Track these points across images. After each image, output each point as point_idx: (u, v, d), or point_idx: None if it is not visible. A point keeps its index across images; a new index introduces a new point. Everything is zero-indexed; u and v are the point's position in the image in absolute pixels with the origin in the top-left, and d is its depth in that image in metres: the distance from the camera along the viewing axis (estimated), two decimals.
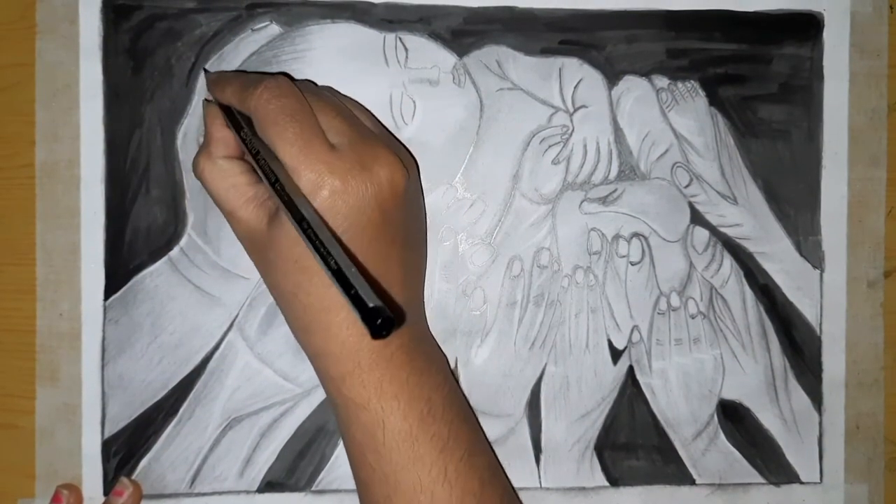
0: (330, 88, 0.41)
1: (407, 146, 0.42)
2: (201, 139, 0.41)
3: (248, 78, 0.36)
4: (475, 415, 0.42)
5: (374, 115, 0.41)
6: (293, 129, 0.34)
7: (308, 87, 0.37)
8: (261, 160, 0.34)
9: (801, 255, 0.44)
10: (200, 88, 0.41)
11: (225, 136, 0.36)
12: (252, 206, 0.36)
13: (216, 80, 0.38)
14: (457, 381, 0.42)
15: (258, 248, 0.36)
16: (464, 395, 0.42)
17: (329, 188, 0.33)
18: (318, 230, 0.30)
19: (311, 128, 0.34)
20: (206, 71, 0.41)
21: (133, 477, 0.41)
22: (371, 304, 0.27)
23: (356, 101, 0.41)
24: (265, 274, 0.37)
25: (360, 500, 0.37)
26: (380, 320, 0.27)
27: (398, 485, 0.35)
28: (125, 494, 0.40)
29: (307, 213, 0.31)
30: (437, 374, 0.37)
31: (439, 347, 0.42)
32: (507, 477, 0.42)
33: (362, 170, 0.34)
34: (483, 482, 0.37)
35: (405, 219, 0.36)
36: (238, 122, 0.36)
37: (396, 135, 0.42)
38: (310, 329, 0.35)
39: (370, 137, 0.36)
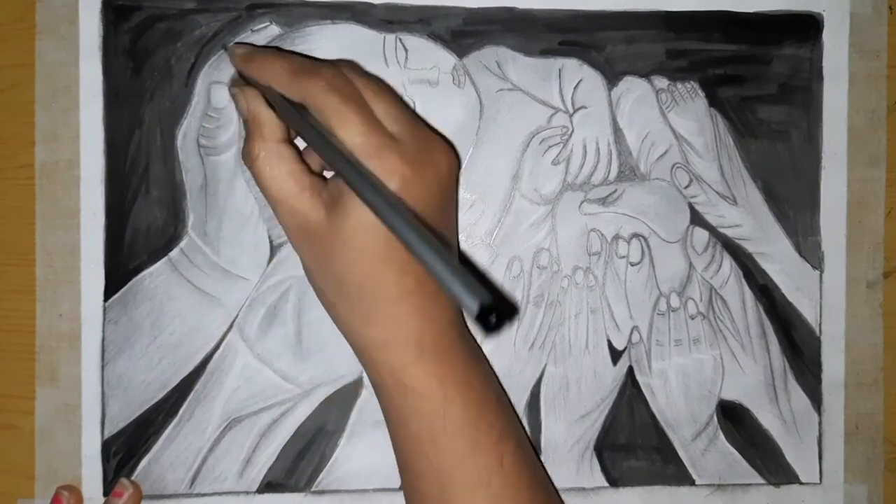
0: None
1: None
2: (202, 140, 0.41)
3: (295, 60, 0.36)
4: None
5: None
6: (357, 118, 0.33)
7: (357, 71, 0.37)
8: (329, 145, 0.32)
9: (801, 255, 0.44)
10: (200, 90, 0.41)
11: (274, 120, 0.35)
12: (309, 193, 0.34)
13: (249, 56, 0.37)
14: None
15: (315, 240, 0.34)
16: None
17: (400, 177, 0.33)
18: (409, 221, 0.28)
19: (373, 118, 0.34)
20: (227, 48, 0.39)
21: (133, 477, 0.41)
22: (484, 301, 0.24)
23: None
24: (321, 266, 0.35)
25: (407, 494, 0.37)
26: (494, 317, 0.24)
27: (454, 476, 0.35)
28: (125, 495, 0.40)
29: (393, 204, 0.29)
30: (485, 364, 0.38)
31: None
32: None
33: (426, 158, 0.34)
34: (533, 471, 0.37)
35: (454, 203, 0.37)
36: (286, 105, 0.34)
37: None
38: (372, 319, 0.35)
39: (423, 125, 0.36)
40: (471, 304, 0.25)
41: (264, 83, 0.36)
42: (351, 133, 0.33)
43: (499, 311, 0.25)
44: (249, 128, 0.36)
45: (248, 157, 0.35)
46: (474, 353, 0.37)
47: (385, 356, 0.35)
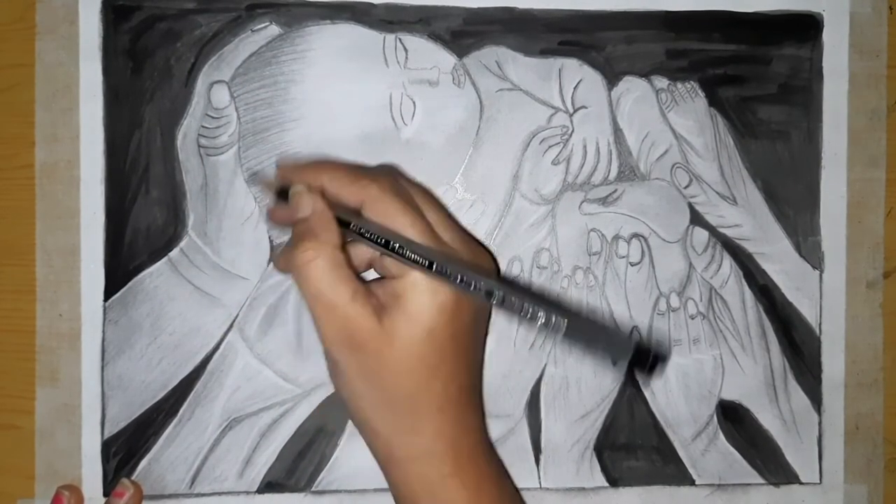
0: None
1: (407, 146, 0.42)
2: (202, 140, 0.41)
3: (351, 165, 0.36)
4: None
5: None
6: (420, 224, 0.33)
7: (405, 178, 0.38)
8: (395, 240, 0.33)
9: (801, 255, 0.44)
10: (200, 90, 0.41)
11: (335, 225, 0.34)
12: (361, 301, 0.33)
13: (300, 166, 0.36)
14: None
15: (364, 349, 0.33)
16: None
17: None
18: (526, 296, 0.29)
19: (429, 224, 0.34)
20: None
21: (133, 478, 0.41)
22: (643, 346, 0.26)
23: None
24: (366, 375, 0.34)
25: None
26: (652, 358, 0.26)
27: None
28: (126, 496, 0.40)
29: (497, 283, 0.30)
30: (508, 475, 0.39)
31: None
32: None
33: (476, 266, 0.35)
34: None
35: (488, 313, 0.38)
36: (343, 210, 0.34)
37: (397, 135, 0.42)
38: (418, 429, 0.34)
39: (467, 233, 0.37)
40: (625, 351, 0.27)
41: (318, 184, 0.35)
42: (412, 237, 0.33)
43: (650, 354, 0.26)
44: (302, 230, 0.34)
45: (297, 259, 0.33)
46: (500, 466, 0.38)
47: (423, 468, 0.35)
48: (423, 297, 0.33)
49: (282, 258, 0.35)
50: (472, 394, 0.36)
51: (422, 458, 0.35)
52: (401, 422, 0.35)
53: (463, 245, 0.35)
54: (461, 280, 0.32)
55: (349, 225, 0.34)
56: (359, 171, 0.35)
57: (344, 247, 0.34)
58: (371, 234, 0.33)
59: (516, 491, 0.39)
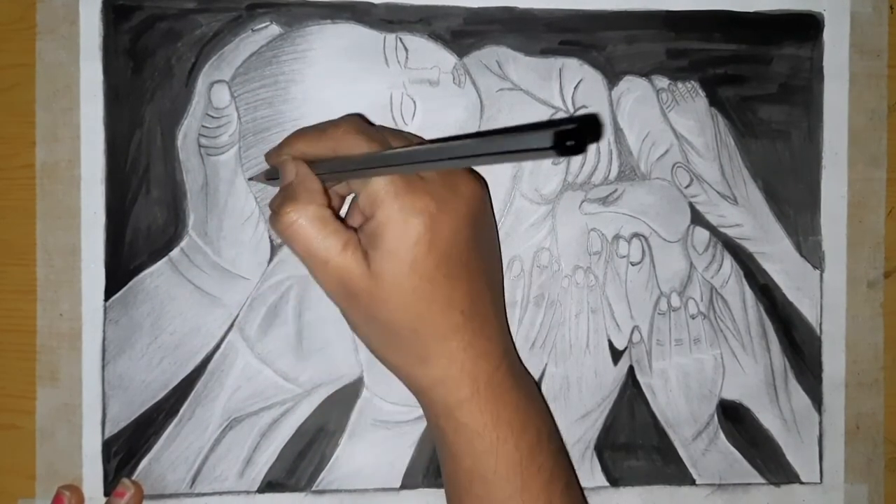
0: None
1: None
2: (202, 139, 0.41)
3: (317, 125, 0.37)
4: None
5: None
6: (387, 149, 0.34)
7: (367, 120, 0.39)
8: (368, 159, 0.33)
9: (801, 255, 0.44)
10: (200, 89, 0.41)
11: (316, 187, 0.35)
12: (350, 250, 0.34)
13: (283, 142, 0.38)
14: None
15: (360, 294, 0.34)
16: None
17: (428, 214, 0.33)
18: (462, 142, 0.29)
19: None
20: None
21: (133, 477, 0.41)
22: (561, 127, 0.24)
23: None
24: (368, 318, 0.35)
25: None
26: (571, 142, 0.24)
27: None
28: (127, 496, 0.40)
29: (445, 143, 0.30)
30: (537, 401, 0.38)
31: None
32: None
33: (452, 191, 0.34)
34: None
35: (490, 231, 0.37)
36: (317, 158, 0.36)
37: None
38: (429, 359, 0.35)
39: None
40: (543, 142, 0.25)
41: (297, 154, 0.36)
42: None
43: (569, 134, 0.24)
44: (286, 194, 0.35)
45: (280, 223, 0.34)
46: (527, 390, 0.38)
47: (441, 394, 0.35)
48: (395, 232, 0.33)
49: (270, 224, 0.36)
50: (482, 318, 0.36)
51: (437, 386, 0.35)
52: (410, 355, 0.35)
53: (437, 173, 0.35)
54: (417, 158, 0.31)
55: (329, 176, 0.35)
56: (325, 123, 0.37)
57: (331, 204, 0.36)
58: (340, 169, 0.34)
59: (546, 413, 0.39)
